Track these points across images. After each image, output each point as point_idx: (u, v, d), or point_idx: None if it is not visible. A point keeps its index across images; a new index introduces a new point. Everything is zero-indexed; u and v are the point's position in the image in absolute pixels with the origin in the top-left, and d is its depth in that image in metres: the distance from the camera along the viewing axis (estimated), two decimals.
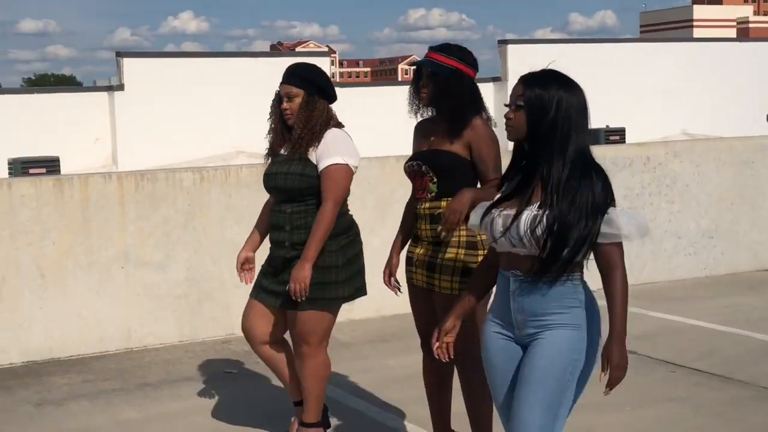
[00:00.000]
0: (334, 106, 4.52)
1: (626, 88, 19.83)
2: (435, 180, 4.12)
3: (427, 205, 4.15)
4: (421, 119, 4.33)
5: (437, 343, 3.33)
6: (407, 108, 4.34)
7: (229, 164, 7.73)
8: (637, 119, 19.43)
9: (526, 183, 3.06)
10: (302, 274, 4.23)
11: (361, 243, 4.55)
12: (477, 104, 4.15)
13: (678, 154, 8.88)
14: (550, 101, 2.99)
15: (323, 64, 22.84)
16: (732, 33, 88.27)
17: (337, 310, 4.48)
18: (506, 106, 3.08)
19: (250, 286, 7.06)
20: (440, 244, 4.11)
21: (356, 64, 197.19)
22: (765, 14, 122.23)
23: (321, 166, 4.31)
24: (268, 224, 4.64)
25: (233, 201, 7.07)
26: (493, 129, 4.19)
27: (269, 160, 4.53)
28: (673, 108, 21.78)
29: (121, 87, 18.60)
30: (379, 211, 7.51)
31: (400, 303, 7.51)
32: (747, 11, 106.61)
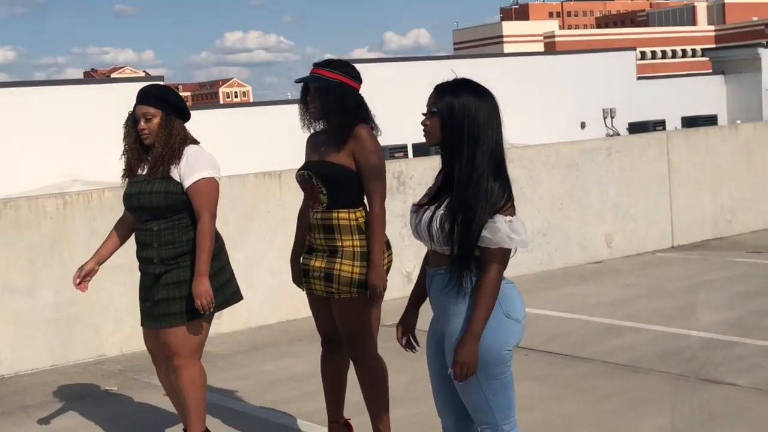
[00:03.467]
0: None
1: None
2: (324, 191, 4.37)
3: (320, 215, 4.40)
4: (312, 132, 4.56)
5: (404, 339, 3.58)
6: (299, 124, 4.57)
7: (92, 188, 7.81)
8: None
9: (441, 183, 3.36)
10: (203, 288, 4.39)
11: (226, 253, 4.71)
12: (363, 114, 4.42)
13: (511, 160, 9.46)
14: (461, 107, 3.24)
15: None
16: (540, 47, 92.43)
17: (209, 320, 4.62)
18: (423, 115, 3.34)
19: (119, 307, 7.22)
20: (335, 253, 4.37)
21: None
22: (569, 28, 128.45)
23: (188, 183, 4.46)
24: (117, 241, 4.79)
25: (97, 224, 7.19)
26: (378, 139, 4.48)
27: (126, 181, 4.64)
28: None
29: None
30: (240, 227, 7.79)
31: (267, 315, 7.88)
32: (553, 26, 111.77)
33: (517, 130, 21.04)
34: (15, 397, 6.28)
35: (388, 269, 4.51)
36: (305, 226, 4.56)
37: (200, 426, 4.70)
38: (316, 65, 4.48)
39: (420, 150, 17.51)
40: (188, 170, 4.46)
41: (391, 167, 8.75)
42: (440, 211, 3.28)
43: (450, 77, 3.39)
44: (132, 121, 4.58)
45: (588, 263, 9.92)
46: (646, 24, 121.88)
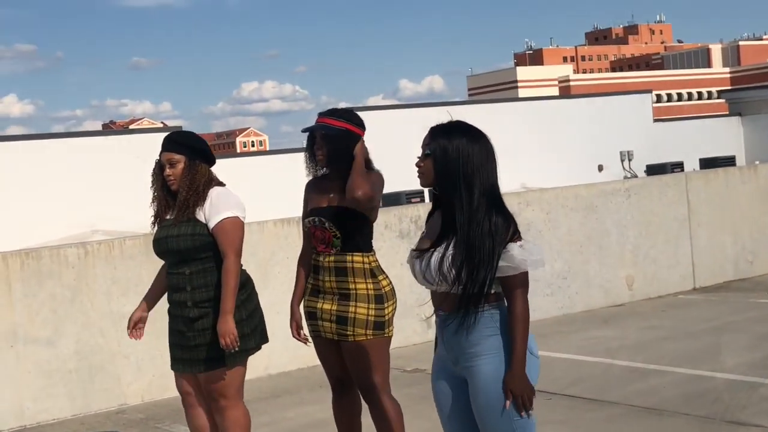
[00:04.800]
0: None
1: None
2: (339, 236, 4.46)
3: (332, 258, 4.48)
4: (311, 178, 4.69)
5: None
6: (305, 171, 4.69)
7: (113, 238, 7.86)
8: None
9: (439, 224, 3.41)
10: (228, 328, 4.44)
11: (257, 295, 4.79)
12: (367, 160, 4.54)
13: (530, 203, 9.57)
14: (454, 149, 3.32)
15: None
16: (555, 91, 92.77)
17: (246, 361, 4.68)
18: (418, 157, 3.43)
19: (140, 356, 7.23)
20: (348, 297, 4.44)
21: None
22: (584, 72, 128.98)
23: (213, 223, 4.53)
24: (163, 286, 4.79)
25: (118, 273, 7.24)
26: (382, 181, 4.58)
27: (156, 227, 4.72)
28: (510, 165, 22.93)
29: None
30: (260, 273, 7.80)
31: (287, 361, 7.86)
32: (567, 70, 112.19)
33: (533, 173, 21.01)
34: None
35: (394, 314, 4.55)
36: (307, 272, 4.61)
37: None
38: (321, 114, 4.64)
39: None
40: (213, 211, 4.54)
41: (409, 212, 8.78)
42: (450, 252, 3.31)
43: (446, 119, 3.47)
44: (158, 168, 4.66)
45: (609, 306, 9.86)
46: (661, 67, 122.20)
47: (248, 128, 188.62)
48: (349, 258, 4.45)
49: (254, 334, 4.66)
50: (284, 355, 7.87)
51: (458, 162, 3.33)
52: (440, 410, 3.52)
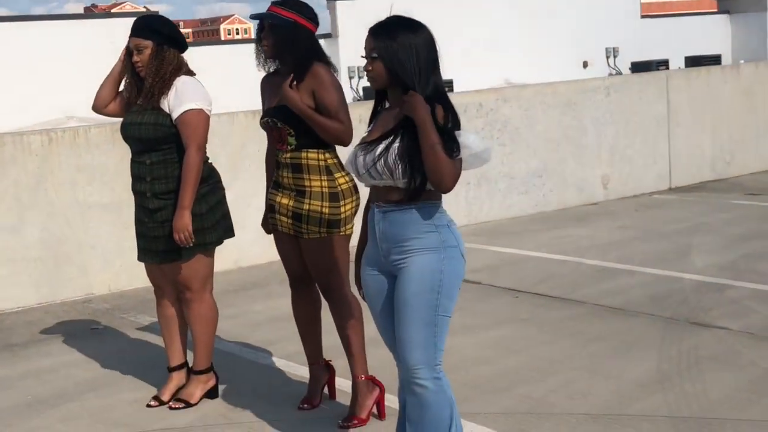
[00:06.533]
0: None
1: (450, 41, 20.42)
2: (293, 133, 4.34)
3: (289, 155, 4.36)
4: (267, 73, 4.54)
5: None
6: (255, 62, 4.54)
7: (78, 125, 7.70)
8: (462, 72, 20.13)
9: (387, 120, 3.37)
10: (183, 223, 4.38)
11: (222, 189, 4.70)
12: (317, 54, 4.37)
13: (507, 100, 9.42)
14: (402, 47, 3.27)
15: None
16: None
17: (211, 254, 4.64)
18: (363, 58, 3.35)
19: (107, 246, 7.18)
20: (304, 194, 4.34)
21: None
22: None
23: (175, 114, 4.42)
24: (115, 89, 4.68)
25: (84, 161, 7.10)
26: (335, 75, 4.45)
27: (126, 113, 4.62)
28: (494, 59, 22.63)
29: None
30: (230, 165, 7.68)
31: (257, 254, 7.81)
32: None
33: (518, 69, 20.64)
34: (0, 335, 6.24)
35: (354, 212, 4.45)
36: (272, 168, 4.52)
37: (205, 363, 4.72)
38: (274, 3, 4.45)
39: None
40: (176, 102, 4.42)
41: None
42: (396, 144, 3.27)
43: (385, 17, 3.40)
44: (128, 54, 4.54)
45: (584, 205, 9.83)
46: None
47: (233, 15, 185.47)
48: (304, 155, 4.33)
49: (216, 228, 4.60)
50: (255, 248, 7.81)
51: (407, 58, 3.28)
52: (373, 307, 3.54)
